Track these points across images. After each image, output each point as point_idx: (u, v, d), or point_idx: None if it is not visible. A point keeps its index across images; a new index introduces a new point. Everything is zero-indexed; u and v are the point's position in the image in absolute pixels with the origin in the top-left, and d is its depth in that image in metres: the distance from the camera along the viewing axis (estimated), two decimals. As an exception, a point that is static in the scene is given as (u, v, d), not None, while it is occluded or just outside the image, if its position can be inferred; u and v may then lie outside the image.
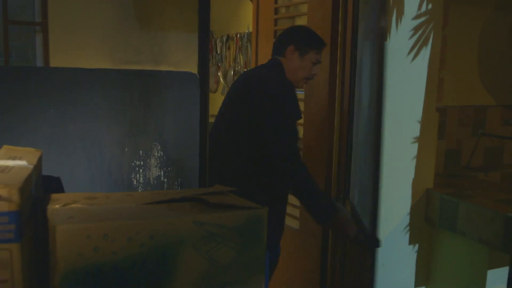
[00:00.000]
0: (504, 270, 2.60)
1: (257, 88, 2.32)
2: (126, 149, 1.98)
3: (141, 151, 2.00)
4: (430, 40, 2.45)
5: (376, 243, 2.21)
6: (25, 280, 1.11)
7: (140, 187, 2.04)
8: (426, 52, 2.45)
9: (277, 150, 2.22)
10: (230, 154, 2.37)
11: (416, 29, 2.45)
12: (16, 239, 1.08)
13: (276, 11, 3.12)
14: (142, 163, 2.01)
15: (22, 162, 1.34)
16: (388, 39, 2.49)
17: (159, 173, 2.04)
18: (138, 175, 2.02)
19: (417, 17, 2.44)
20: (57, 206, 1.40)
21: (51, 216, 1.29)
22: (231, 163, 2.36)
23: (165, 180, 2.06)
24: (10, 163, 1.31)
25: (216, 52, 6.19)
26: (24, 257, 1.11)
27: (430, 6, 2.40)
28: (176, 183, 2.08)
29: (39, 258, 1.37)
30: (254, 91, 2.32)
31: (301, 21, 3.10)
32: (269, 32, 3.11)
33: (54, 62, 2.17)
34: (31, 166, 1.32)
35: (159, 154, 2.03)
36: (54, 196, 1.50)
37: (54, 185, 1.83)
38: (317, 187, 2.27)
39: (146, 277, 1.32)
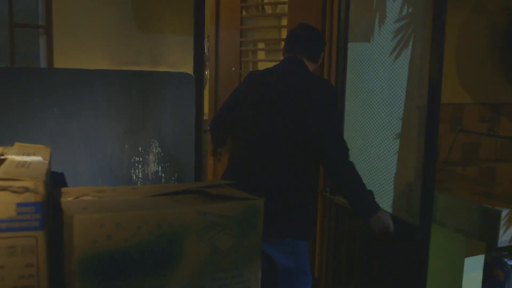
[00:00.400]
0: (480, 258, 2.76)
1: (318, 94, 2.34)
2: (126, 146, 2.08)
3: (140, 148, 2.10)
4: (411, 42, 2.59)
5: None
6: (48, 265, 1.22)
7: (139, 182, 2.14)
8: (407, 53, 2.59)
9: (338, 151, 2.28)
10: (282, 159, 2.34)
11: (397, 31, 2.59)
12: (41, 227, 1.19)
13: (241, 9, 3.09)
14: (141, 159, 2.11)
15: (38, 158, 1.44)
16: (371, 41, 2.64)
17: (157, 169, 2.14)
18: (137, 171, 2.12)
19: (399, 20, 2.58)
20: (69, 198, 1.50)
21: (66, 207, 1.39)
22: (283, 167, 2.34)
23: (163, 175, 2.16)
24: (27, 158, 1.41)
25: (204, 51, 6.29)
26: (47, 243, 1.21)
27: (410, 9, 2.54)
28: (173, 178, 2.18)
29: (53, 245, 1.47)
30: (317, 97, 2.33)
31: (272, 22, 3.16)
32: (233, 30, 3.05)
33: (57, 63, 2.26)
34: (47, 162, 1.43)
35: (157, 151, 2.13)
36: (65, 189, 1.60)
37: (58, 180, 1.92)
38: (364, 184, 2.35)
39: (154, 262, 1.44)
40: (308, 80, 2.41)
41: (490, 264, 2.87)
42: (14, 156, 1.40)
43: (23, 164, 1.32)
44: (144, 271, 1.42)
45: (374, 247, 2.38)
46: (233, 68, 2.59)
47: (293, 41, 2.45)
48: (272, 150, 2.34)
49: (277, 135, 2.34)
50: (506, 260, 2.82)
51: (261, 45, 3.30)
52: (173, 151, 2.16)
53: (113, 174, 2.11)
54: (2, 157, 1.41)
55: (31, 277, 1.19)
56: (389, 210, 2.60)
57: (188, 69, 2.17)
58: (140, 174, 2.13)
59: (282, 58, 2.51)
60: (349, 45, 2.63)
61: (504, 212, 2.43)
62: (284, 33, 3.14)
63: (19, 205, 1.16)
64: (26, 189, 1.16)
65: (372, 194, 2.40)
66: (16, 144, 1.64)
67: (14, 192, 1.15)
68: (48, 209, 1.32)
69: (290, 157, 2.33)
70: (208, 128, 2.75)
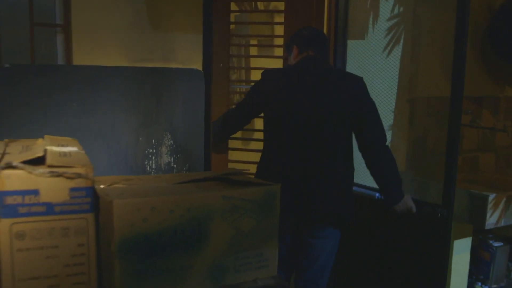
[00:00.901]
0: (468, 240, 2.95)
1: (358, 84, 2.46)
2: (140, 139, 2.19)
3: (153, 140, 2.21)
4: (402, 39, 2.75)
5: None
6: (96, 244, 1.34)
7: (152, 172, 2.25)
8: (398, 50, 2.75)
9: (381, 137, 2.45)
10: (331, 149, 2.43)
11: (389, 29, 2.75)
12: (90, 209, 1.31)
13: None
14: (154, 151, 2.23)
15: (74, 148, 1.54)
16: (366, 38, 2.79)
17: (169, 160, 2.26)
18: (151, 162, 2.23)
19: (390, 18, 2.74)
20: (102, 186, 1.62)
21: (103, 193, 1.50)
22: (332, 157, 2.43)
23: (175, 166, 2.28)
24: (65, 149, 1.51)
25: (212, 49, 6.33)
26: (95, 224, 1.33)
27: (401, 9, 2.70)
28: (184, 168, 2.30)
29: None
30: (357, 87, 2.45)
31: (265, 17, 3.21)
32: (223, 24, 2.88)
33: (76, 61, 2.35)
34: (83, 151, 1.54)
35: (169, 143, 2.25)
36: (95, 178, 1.71)
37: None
38: None
39: (184, 243, 1.57)
40: (343, 74, 2.59)
41: (477, 246, 3.06)
42: (52, 147, 1.50)
43: (65, 154, 1.43)
44: (176, 251, 1.55)
45: (394, 230, 2.51)
46: (221, 64, 2.64)
47: (309, 41, 2.52)
48: (322, 142, 2.42)
49: (325, 127, 2.42)
50: (491, 242, 3.02)
51: (253, 41, 3.37)
52: (184, 143, 2.27)
53: (128, 165, 2.22)
54: (43, 148, 1.51)
55: (83, 256, 1.31)
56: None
57: (197, 65, 2.29)
58: (154, 165, 2.24)
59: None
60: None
61: (491, 197, 2.62)
62: (278, 30, 3.23)
63: (72, 189, 1.28)
64: (79, 175, 1.27)
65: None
66: (46, 137, 1.74)
67: (68, 178, 1.27)
68: (91, 194, 1.43)
69: (338, 147, 2.44)
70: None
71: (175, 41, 2.57)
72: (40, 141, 1.68)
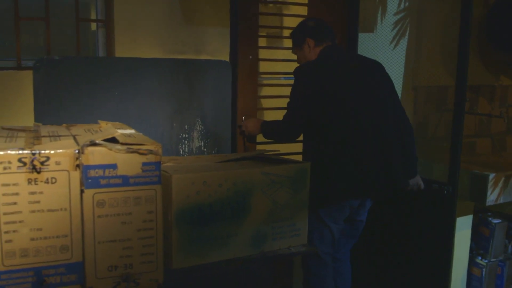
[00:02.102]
0: (469, 218, 3.18)
1: (384, 68, 2.54)
2: (175, 124, 2.38)
3: (186, 126, 2.41)
4: (407, 32, 2.97)
5: None
6: (162, 211, 1.54)
7: (185, 155, 2.44)
8: (404, 42, 2.97)
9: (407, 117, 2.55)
10: (391, 134, 2.46)
11: (396, 23, 2.96)
12: (158, 181, 1.51)
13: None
14: (187, 135, 2.42)
15: (132, 131, 1.74)
16: (375, 31, 3.01)
17: (200, 144, 2.46)
18: (183, 146, 2.43)
19: (397, 13, 2.95)
20: (156, 164, 1.81)
21: (161, 170, 1.70)
22: (394, 142, 2.47)
23: (205, 149, 2.48)
24: (125, 131, 1.71)
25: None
26: (162, 194, 1.53)
27: (407, 3, 2.91)
28: (213, 151, 2.49)
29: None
30: (385, 72, 2.53)
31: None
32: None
33: (117, 53, 2.55)
34: (141, 133, 1.74)
35: (200, 128, 2.45)
36: (147, 158, 1.91)
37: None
38: None
39: (230, 213, 1.78)
40: (370, 59, 2.57)
41: (477, 223, 3.31)
42: (116, 130, 1.70)
43: (129, 135, 1.63)
44: (223, 220, 1.77)
45: (403, 208, 2.69)
46: (250, 56, 2.77)
47: (322, 31, 2.49)
48: (387, 127, 2.44)
49: (385, 114, 2.44)
50: (490, 219, 3.26)
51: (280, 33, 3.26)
52: (213, 128, 2.47)
53: (164, 149, 2.39)
54: (103, 131, 1.70)
55: (151, 221, 1.51)
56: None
57: (225, 57, 2.49)
58: (186, 148, 2.44)
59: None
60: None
61: (491, 176, 2.86)
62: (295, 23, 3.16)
63: (144, 164, 1.48)
64: (150, 151, 1.48)
65: None
66: (100, 122, 1.94)
67: (141, 154, 1.47)
68: (154, 169, 1.63)
69: (394, 131, 2.48)
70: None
71: (206, 35, 2.77)
72: (102, 124, 1.86)
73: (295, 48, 2.56)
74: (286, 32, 3.05)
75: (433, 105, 3.88)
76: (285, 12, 3.14)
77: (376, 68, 2.52)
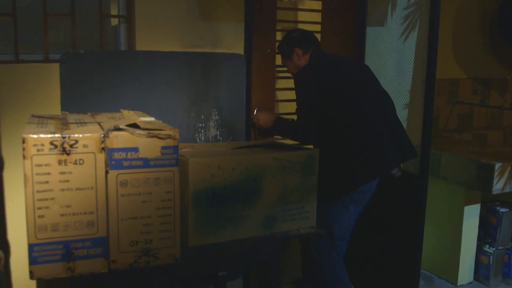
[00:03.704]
0: (477, 206, 3.26)
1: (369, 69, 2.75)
2: (192, 114, 2.50)
3: (202, 116, 2.52)
4: (417, 26, 3.04)
5: None
6: (179, 192, 1.67)
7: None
8: (414, 35, 3.05)
9: None
10: (391, 107, 2.70)
11: (406, 17, 3.04)
12: (176, 164, 1.64)
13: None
14: (203, 125, 2.54)
15: (152, 118, 1.87)
16: (385, 25, 3.10)
17: (216, 133, 2.57)
18: (200, 135, 2.54)
19: (407, 7, 3.04)
20: (174, 149, 1.94)
21: (179, 154, 1.83)
22: (394, 115, 2.70)
23: (220, 138, 2.59)
24: (146, 119, 1.84)
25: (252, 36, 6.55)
26: (179, 176, 1.66)
27: (417, -3, 2.99)
28: (228, 140, 2.61)
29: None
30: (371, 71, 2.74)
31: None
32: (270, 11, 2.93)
33: (138, 47, 2.68)
34: (161, 121, 1.87)
35: (216, 118, 2.56)
36: (165, 144, 2.04)
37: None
38: None
39: (243, 195, 1.90)
40: (359, 61, 2.93)
41: (485, 211, 3.39)
42: (137, 117, 1.83)
43: (149, 122, 1.75)
44: (236, 202, 1.90)
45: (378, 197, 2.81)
46: (269, 50, 2.87)
47: (311, 39, 2.70)
48: (388, 108, 2.66)
49: (384, 96, 2.68)
50: (498, 208, 3.33)
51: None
52: (229, 118, 2.58)
53: (181, 137, 2.49)
54: (125, 118, 1.84)
55: (170, 201, 1.64)
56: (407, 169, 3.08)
57: (240, 50, 2.60)
58: (203, 137, 2.55)
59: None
60: (368, 29, 3.09)
61: (497, 165, 2.94)
62: (314, 17, 3.25)
63: (163, 147, 1.61)
64: (169, 136, 1.61)
65: None
66: (124, 111, 2.07)
67: (160, 138, 1.60)
68: (172, 154, 1.76)
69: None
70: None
71: (222, 29, 2.88)
72: (124, 113, 1.99)
73: (285, 59, 2.74)
74: (301, 26, 3.18)
75: (443, 98, 3.97)
76: (300, 6, 3.26)
77: (363, 65, 2.78)
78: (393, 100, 2.78)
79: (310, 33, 2.76)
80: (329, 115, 2.51)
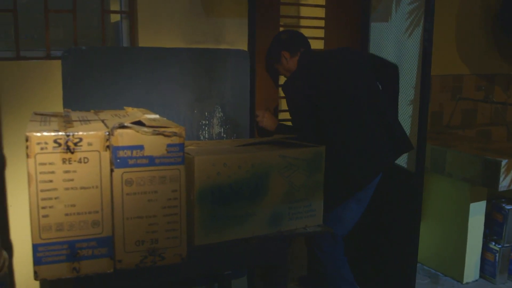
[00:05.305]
0: (483, 203, 3.24)
1: (355, 50, 2.80)
2: (195, 111, 2.47)
3: (206, 113, 2.50)
4: (422, 22, 3.01)
5: None
6: (185, 190, 1.65)
7: (205, 140, 2.53)
8: (418, 31, 3.02)
9: None
10: (384, 101, 2.68)
11: (410, 12, 3.01)
12: (182, 162, 1.61)
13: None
14: (207, 122, 2.51)
15: (156, 116, 1.84)
16: (390, 20, 3.07)
17: (219, 130, 2.55)
18: (204, 132, 2.52)
19: (411, 2, 3.00)
20: (178, 147, 1.91)
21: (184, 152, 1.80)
22: (387, 110, 2.66)
23: (224, 135, 2.57)
24: (150, 116, 1.81)
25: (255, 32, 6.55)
26: (185, 174, 1.64)
27: (422, -8, 2.96)
28: (232, 137, 2.59)
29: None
30: (356, 51, 2.80)
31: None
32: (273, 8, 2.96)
33: (141, 43, 2.65)
34: (165, 118, 1.84)
35: (220, 115, 2.53)
36: (170, 142, 2.01)
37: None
38: None
39: (249, 193, 1.87)
40: (344, 48, 2.81)
41: (490, 208, 3.36)
42: (142, 114, 1.80)
43: (154, 119, 1.73)
44: (242, 200, 1.87)
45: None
46: None
47: (298, 39, 2.73)
48: (380, 104, 2.63)
49: (375, 91, 2.66)
50: (504, 205, 3.31)
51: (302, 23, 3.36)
52: (232, 115, 2.55)
53: (185, 134, 2.50)
54: (130, 116, 1.81)
55: (175, 199, 1.62)
56: (404, 165, 3.06)
57: (244, 46, 2.57)
58: (206, 134, 2.53)
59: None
60: (372, 25, 3.07)
61: (504, 162, 2.91)
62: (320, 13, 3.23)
63: (169, 145, 1.58)
64: (174, 134, 1.58)
65: None
66: (127, 108, 2.04)
67: (166, 135, 1.57)
68: (177, 151, 1.73)
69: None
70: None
71: (225, 25, 2.85)
72: (128, 110, 1.97)
73: (275, 64, 2.76)
74: (304, 22, 3.17)
75: (447, 94, 3.94)
76: (304, 2, 3.23)
77: (356, 56, 2.73)
78: (399, 96, 2.76)
79: (299, 34, 2.76)
80: (322, 120, 2.53)
